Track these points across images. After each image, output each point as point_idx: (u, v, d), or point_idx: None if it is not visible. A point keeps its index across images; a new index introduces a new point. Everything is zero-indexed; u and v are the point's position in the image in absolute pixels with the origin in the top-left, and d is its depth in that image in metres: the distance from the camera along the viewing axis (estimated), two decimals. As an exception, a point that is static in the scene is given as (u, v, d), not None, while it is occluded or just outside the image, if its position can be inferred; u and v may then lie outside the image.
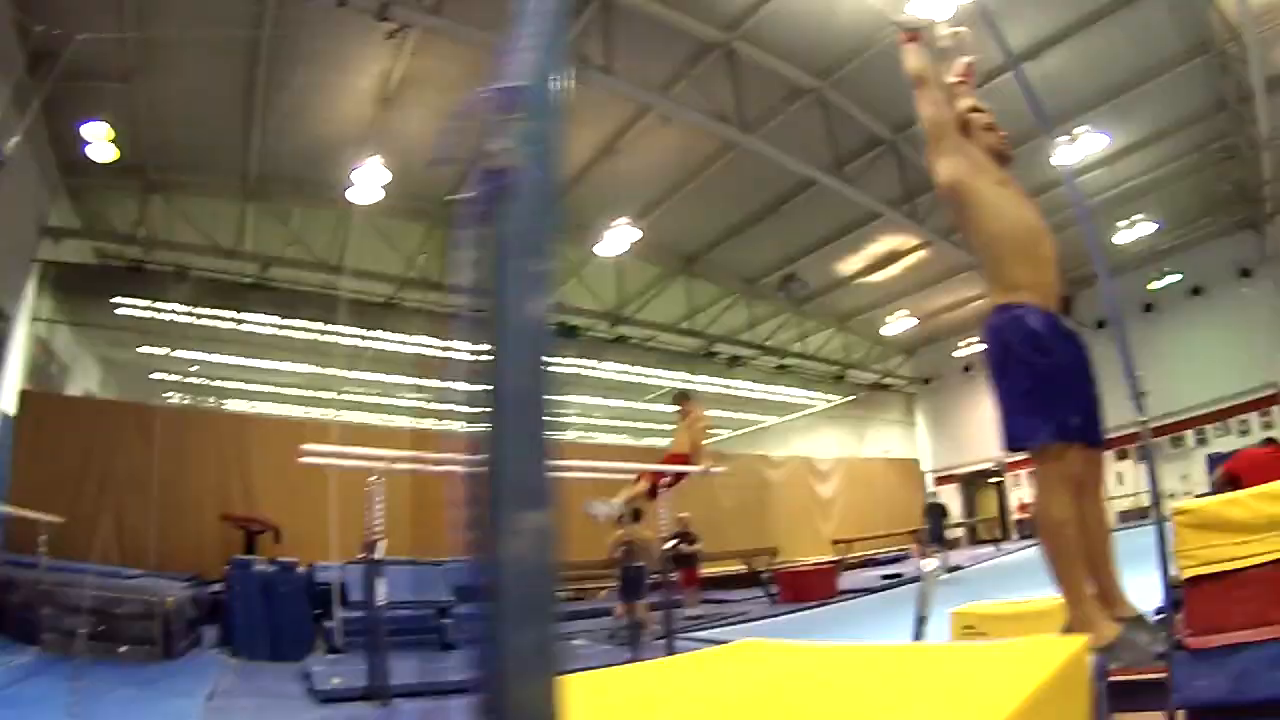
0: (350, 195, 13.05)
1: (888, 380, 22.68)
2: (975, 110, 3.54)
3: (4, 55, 9.52)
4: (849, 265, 17.86)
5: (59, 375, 14.91)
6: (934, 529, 17.39)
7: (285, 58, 11.14)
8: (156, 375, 16.24)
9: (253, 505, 12.45)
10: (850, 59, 11.96)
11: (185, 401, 17.23)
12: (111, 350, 16.26)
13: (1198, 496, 15.06)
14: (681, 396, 9.30)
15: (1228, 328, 16.46)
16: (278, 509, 11.86)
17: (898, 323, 19.75)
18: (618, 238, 15.00)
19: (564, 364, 17.74)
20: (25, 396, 12.19)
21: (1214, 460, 15.31)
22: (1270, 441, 7.86)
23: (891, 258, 17.35)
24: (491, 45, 9.76)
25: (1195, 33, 11.56)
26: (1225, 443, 16.04)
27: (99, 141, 11.63)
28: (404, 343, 16.76)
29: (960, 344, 20.90)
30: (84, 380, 16.17)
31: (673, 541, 11.04)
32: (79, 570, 8.62)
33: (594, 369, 18.55)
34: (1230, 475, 7.55)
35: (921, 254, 16.89)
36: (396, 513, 7.94)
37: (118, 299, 14.88)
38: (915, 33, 3.61)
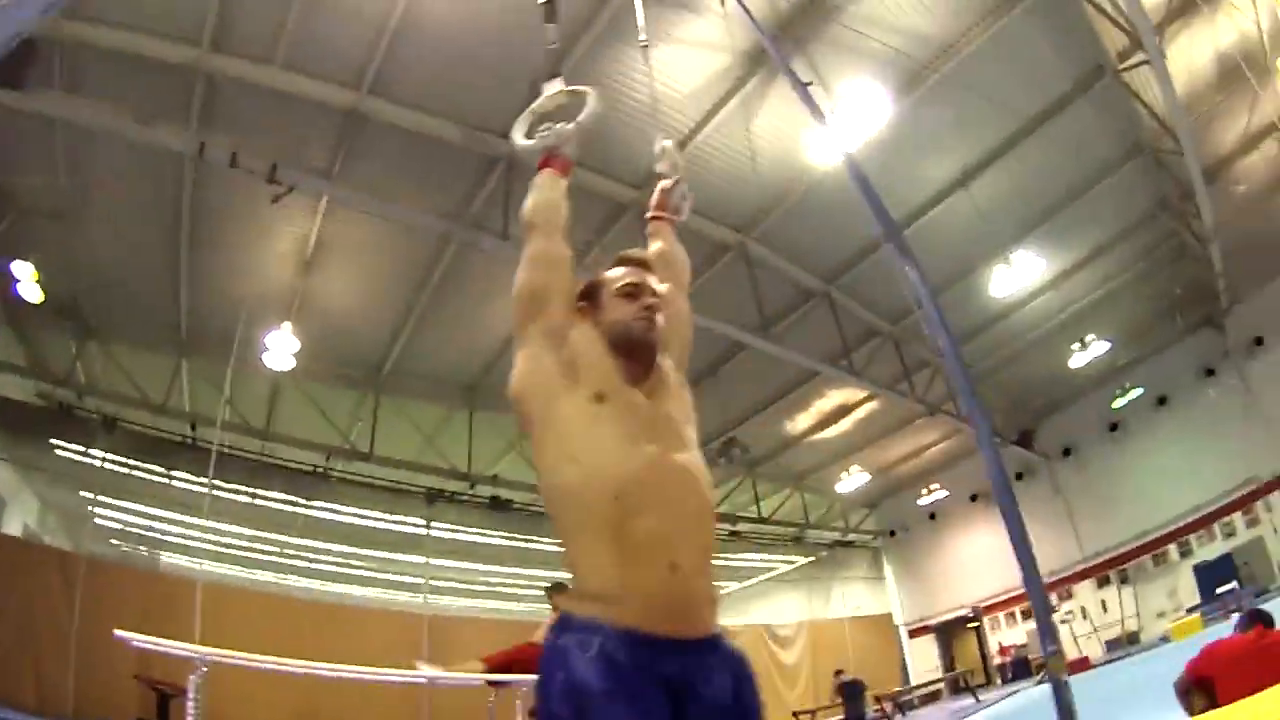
0: (265, 360, 12.97)
1: (851, 537, 22.10)
2: (621, 262, 2.43)
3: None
4: (798, 423, 17.65)
5: None
6: (852, 713, 16.23)
7: (209, 215, 11.30)
8: (95, 521, 16.02)
9: (171, 668, 11.95)
10: (772, 209, 12.01)
11: (122, 548, 16.92)
12: (49, 490, 16.09)
13: (1188, 611, 14.65)
14: (558, 589, 8.45)
15: (1199, 432, 16.05)
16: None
17: (852, 479, 19.36)
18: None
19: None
20: None
21: (1200, 572, 14.97)
22: (1256, 620, 5.39)
23: (841, 412, 17.17)
24: (390, 212, 10.26)
25: (1126, 135, 11.66)
26: (1210, 549, 15.50)
27: (26, 281, 11.83)
28: (335, 511, 16.57)
29: (923, 491, 20.50)
30: (23, 515, 15.98)
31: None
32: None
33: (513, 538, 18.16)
34: (1200, 679, 5.28)
35: (872, 405, 16.71)
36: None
37: (54, 440, 14.83)
38: (555, 154, 2.53)
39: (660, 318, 2.29)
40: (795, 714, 16.73)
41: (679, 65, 9.79)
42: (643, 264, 2.43)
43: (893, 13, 9.42)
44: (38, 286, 12.01)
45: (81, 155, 10.28)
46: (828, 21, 9.44)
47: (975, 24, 9.58)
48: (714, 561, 2.12)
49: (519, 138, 2.61)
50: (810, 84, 5.72)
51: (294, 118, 9.71)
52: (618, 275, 2.34)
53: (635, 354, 2.24)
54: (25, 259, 11.68)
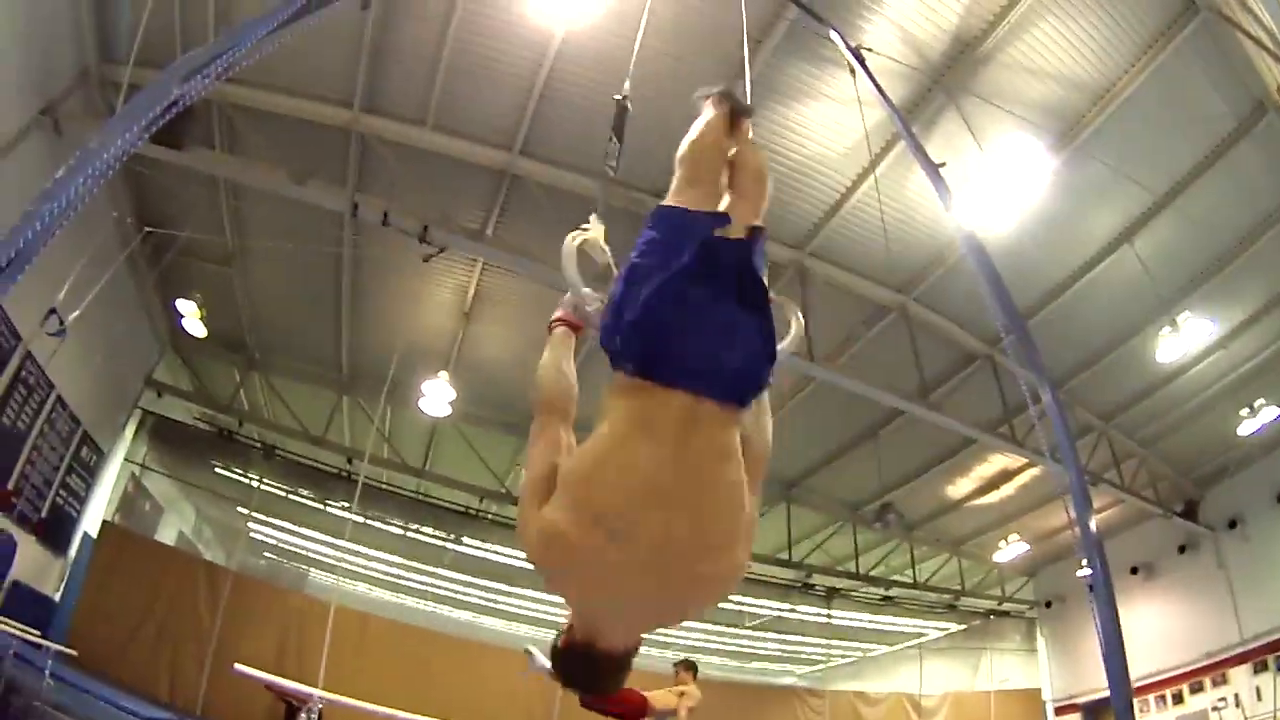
0: (422, 405, 13.20)
1: (1006, 606, 20.75)
2: None
3: (123, 238, 10.94)
4: (959, 488, 16.70)
5: (151, 514, 16.38)
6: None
7: (369, 265, 11.65)
8: (250, 535, 16.92)
9: (304, 679, 12.27)
10: (932, 269, 11.41)
11: (272, 562, 17.80)
12: (206, 504, 17.09)
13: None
14: (684, 665, 8.54)
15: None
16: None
17: (1011, 547, 18.09)
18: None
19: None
20: (105, 527, 13.29)
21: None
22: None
23: (1003, 477, 16.12)
24: (539, 272, 10.21)
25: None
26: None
27: (190, 317, 12.80)
28: (484, 549, 16.92)
29: (1083, 562, 18.81)
30: (180, 523, 17.22)
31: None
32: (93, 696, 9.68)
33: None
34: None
35: (1035, 471, 15.60)
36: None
37: (214, 460, 15.72)
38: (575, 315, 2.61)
39: None
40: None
41: (831, 123, 9.42)
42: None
43: (1045, 59, 8.77)
44: (200, 323, 12.85)
45: (243, 206, 10.71)
46: (980, 69, 8.90)
47: (1129, 66, 8.73)
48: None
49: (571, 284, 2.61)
50: (943, 165, 5.21)
51: (446, 177, 9.88)
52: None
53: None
54: (189, 297, 12.39)
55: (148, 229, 11.03)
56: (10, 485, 10.36)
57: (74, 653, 10.59)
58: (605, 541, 2.10)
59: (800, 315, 2.91)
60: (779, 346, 2.47)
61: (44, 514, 11.63)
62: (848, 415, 14.15)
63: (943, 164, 5.43)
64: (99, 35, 9.03)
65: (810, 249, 11.04)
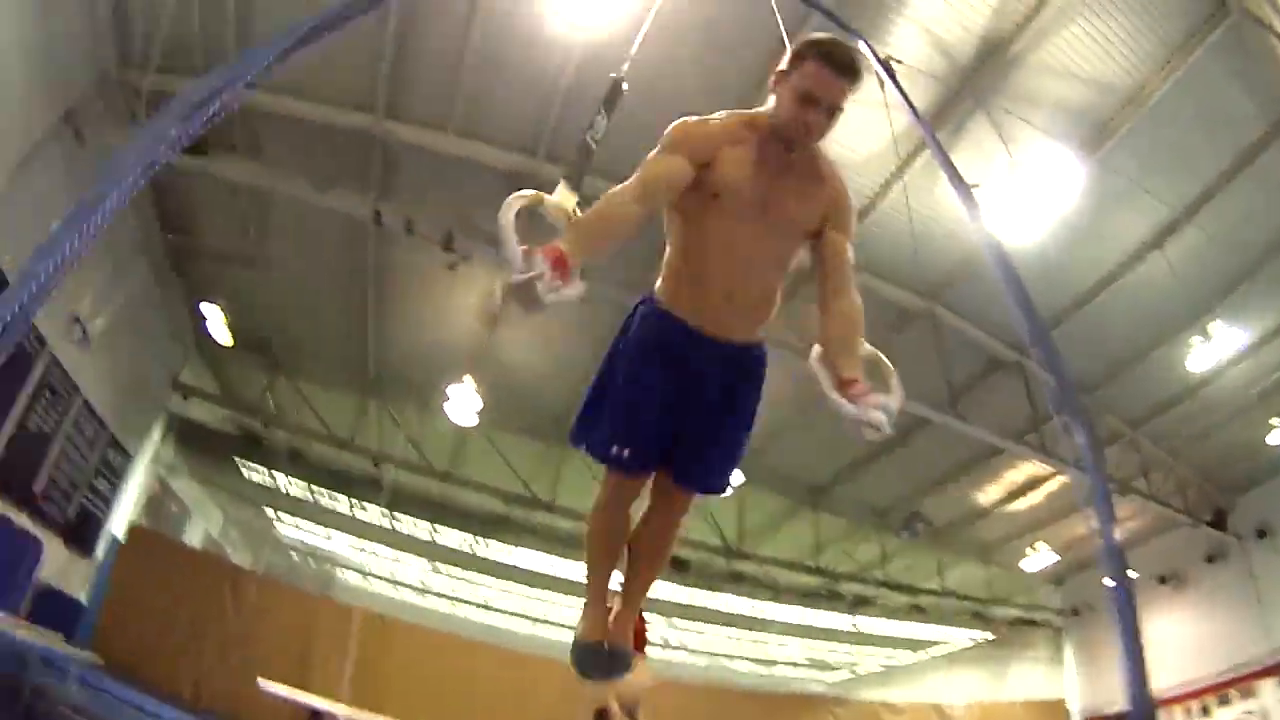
0: (448, 410, 13.17)
1: (1033, 614, 20.45)
2: (829, 59, 2.83)
3: (146, 241, 11.20)
4: (987, 495, 16.46)
5: (179, 516, 16.72)
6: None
7: (393, 270, 11.65)
8: (276, 534, 17.01)
9: (329, 686, 12.39)
10: (960, 274, 11.22)
11: (298, 561, 17.94)
12: (231, 505, 17.19)
13: None
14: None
15: None
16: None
17: (1039, 555, 17.81)
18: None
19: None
20: (132, 529, 13.56)
21: None
22: None
23: (1032, 484, 15.87)
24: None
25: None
26: None
27: (215, 322, 12.97)
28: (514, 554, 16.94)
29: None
30: (206, 525, 17.39)
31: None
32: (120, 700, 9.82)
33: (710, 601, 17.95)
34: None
35: (1063, 479, 15.34)
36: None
37: (239, 462, 15.83)
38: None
39: (817, 133, 2.85)
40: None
41: (856, 127, 9.17)
42: (846, 72, 2.79)
43: (1074, 61, 8.60)
44: (226, 328, 12.99)
45: (267, 210, 10.74)
46: (1008, 73, 8.76)
47: (1159, 68, 8.52)
48: (769, 301, 3.06)
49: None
50: (976, 186, 5.14)
51: (470, 183, 9.78)
52: (812, 76, 2.76)
53: (783, 140, 2.85)
54: (214, 302, 12.53)
55: (169, 234, 11.12)
56: (37, 489, 10.51)
57: (99, 660, 10.74)
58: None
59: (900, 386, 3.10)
60: (886, 402, 2.66)
61: (71, 516, 11.78)
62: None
63: (975, 185, 5.33)
64: (118, 39, 9.05)
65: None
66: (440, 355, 13.13)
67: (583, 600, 3.48)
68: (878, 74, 6.92)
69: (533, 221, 2.73)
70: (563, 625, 19.18)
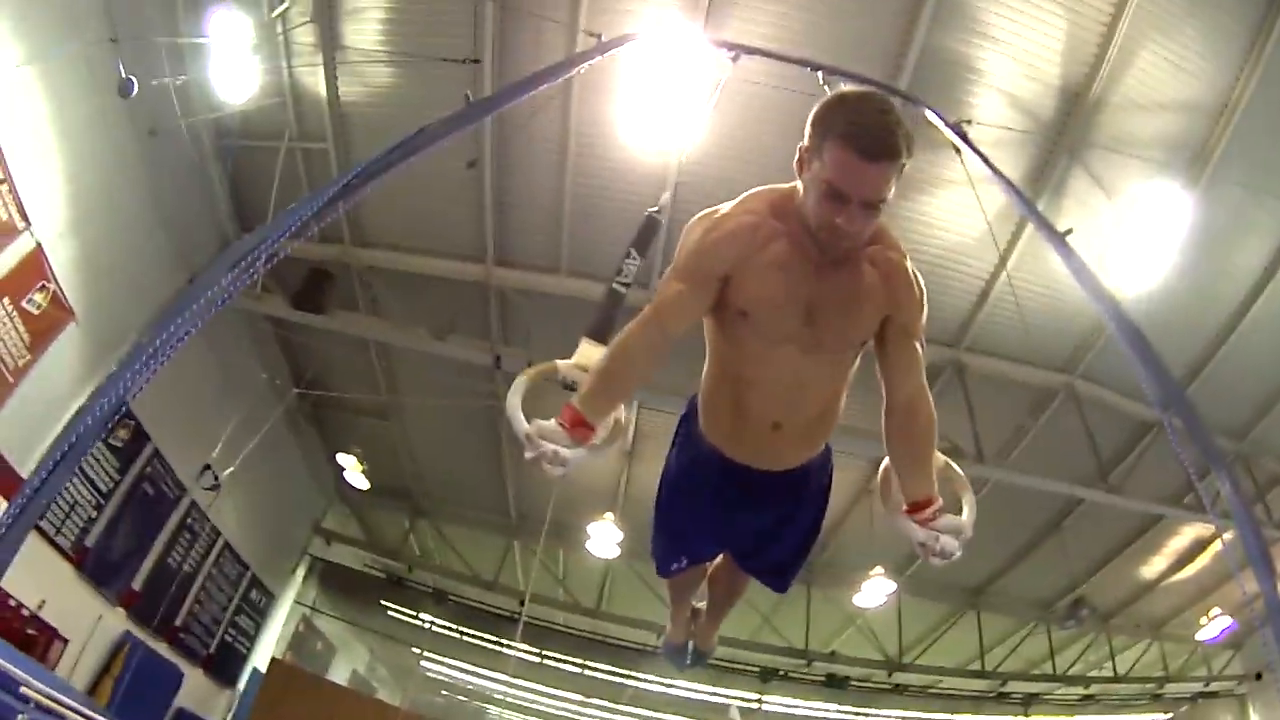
0: (590, 547, 13.38)
1: (1214, 686, 18.79)
2: (856, 140, 2.19)
3: (279, 395, 12.05)
4: (1152, 567, 15.46)
5: (324, 654, 17.51)
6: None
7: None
8: (423, 674, 17.29)
9: None
10: (1092, 343, 10.64)
11: (445, 698, 18.18)
12: (377, 643, 17.57)
13: None
14: None
15: None
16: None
17: (1213, 622, 16.17)
18: (875, 589, 14.25)
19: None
20: (274, 663, 14.17)
21: None
22: None
23: (1197, 547, 14.72)
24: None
25: None
26: None
27: (351, 470, 13.79)
28: (665, 685, 16.77)
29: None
30: (352, 663, 18.75)
31: None
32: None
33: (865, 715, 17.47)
34: None
35: (1229, 535, 14.19)
36: None
37: (385, 603, 16.23)
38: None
39: (853, 235, 2.26)
40: None
41: (961, 208, 9.07)
42: (880, 155, 2.14)
43: (1153, 89, 8.26)
44: (362, 475, 13.74)
45: (392, 361, 11.25)
46: (1094, 118, 8.47)
47: (1238, 74, 8.06)
48: (828, 419, 2.66)
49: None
50: (1070, 232, 4.91)
51: (585, 318, 9.91)
52: (835, 164, 2.15)
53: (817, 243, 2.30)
54: (349, 451, 13.30)
55: (297, 390, 11.69)
56: (178, 622, 11.40)
57: None
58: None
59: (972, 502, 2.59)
60: (957, 523, 2.38)
61: (212, 650, 12.64)
62: (1026, 511, 13.37)
63: (1069, 231, 5.09)
64: (235, 208, 10.03)
65: (965, 344, 10.58)
66: (580, 492, 13.27)
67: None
68: (953, 144, 6.73)
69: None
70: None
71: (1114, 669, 17.23)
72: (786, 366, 2.41)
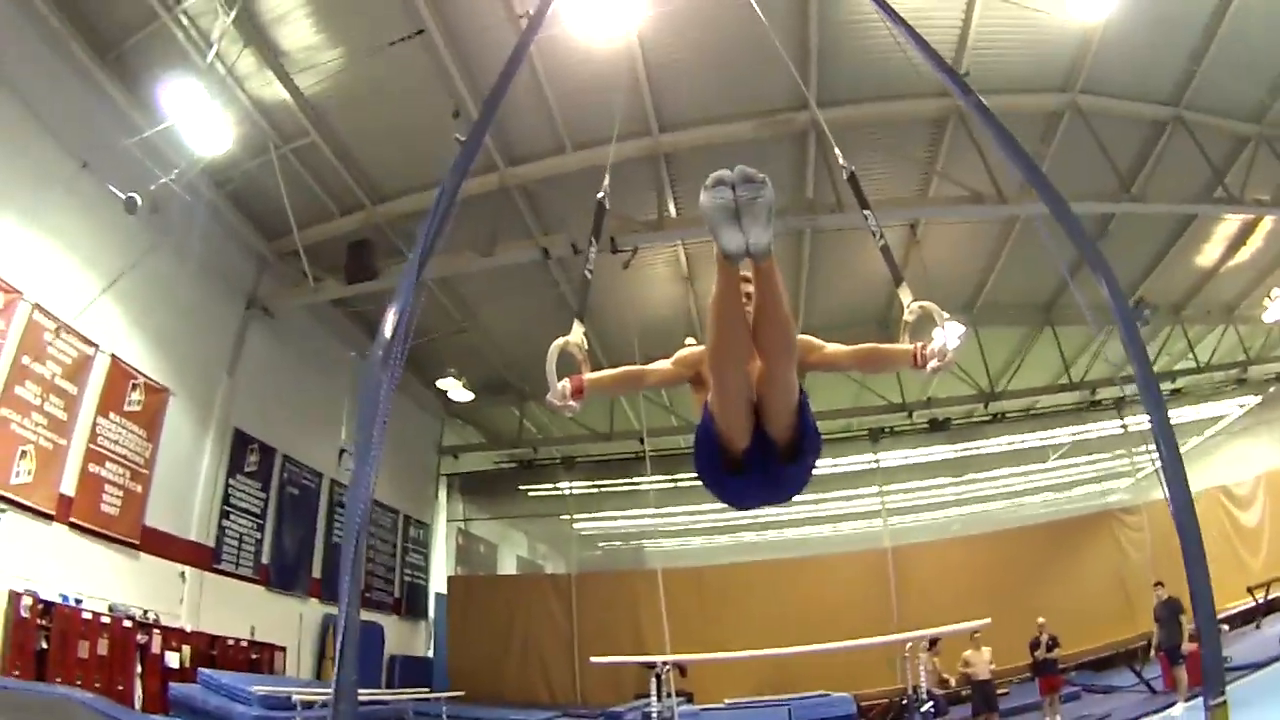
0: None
1: (1300, 360, 18.37)
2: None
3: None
4: (1206, 255, 15.59)
5: (487, 556, 19.22)
6: (1166, 638, 11.45)
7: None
8: (579, 538, 18.85)
9: (658, 643, 13.31)
10: (1083, 54, 10.68)
11: (604, 549, 19.72)
12: (530, 525, 19.20)
13: None
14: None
15: None
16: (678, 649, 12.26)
17: (1276, 305, 15.99)
18: (949, 333, 14.52)
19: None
20: (451, 580, 16.14)
21: None
22: None
23: (1246, 229, 14.81)
24: None
25: None
26: None
27: (455, 389, 14.90)
28: None
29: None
30: (514, 552, 20.55)
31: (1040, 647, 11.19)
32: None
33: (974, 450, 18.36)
34: None
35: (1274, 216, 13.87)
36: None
37: (523, 487, 18.10)
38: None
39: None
40: (1250, 589, 14.40)
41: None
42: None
43: None
44: (464, 388, 14.94)
45: (460, 286, 12.92)
46: None
47: None
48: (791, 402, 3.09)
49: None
50: None
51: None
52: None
53: None
54: (446, 375, 14.53)
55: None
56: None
57: (460, 693, 12.74)
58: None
59: (950, 335, 3.31)
60: (944, 344, 3.15)
61: (396, 594, 14.30)
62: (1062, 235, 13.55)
63: None
64: (255, 222, 11.40)
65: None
66: (658, 323, 14.09)
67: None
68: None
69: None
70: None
71: (1195, 360, 17.49)
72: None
